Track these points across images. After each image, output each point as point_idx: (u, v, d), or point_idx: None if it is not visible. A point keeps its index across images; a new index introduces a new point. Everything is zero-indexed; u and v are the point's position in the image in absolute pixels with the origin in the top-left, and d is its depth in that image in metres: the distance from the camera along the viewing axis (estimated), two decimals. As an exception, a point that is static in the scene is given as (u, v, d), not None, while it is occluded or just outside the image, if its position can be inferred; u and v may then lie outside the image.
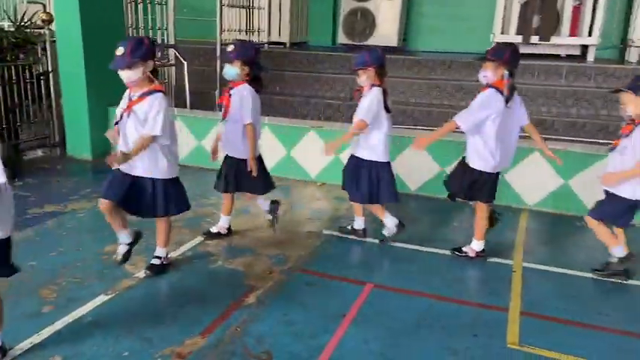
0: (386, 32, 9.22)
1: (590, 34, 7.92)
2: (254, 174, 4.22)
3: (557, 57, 8.22)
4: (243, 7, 8.81)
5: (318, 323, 3.29)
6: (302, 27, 9.98)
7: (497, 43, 3.88)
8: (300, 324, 3.28)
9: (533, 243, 4.68)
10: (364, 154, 4.23)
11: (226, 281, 3.82)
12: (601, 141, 6.89)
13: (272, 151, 6.23)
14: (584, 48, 8.09)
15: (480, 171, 4.02)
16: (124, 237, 3.70)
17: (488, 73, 3.89)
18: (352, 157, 4.34)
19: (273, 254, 4.24)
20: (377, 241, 4.50)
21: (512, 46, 3.99)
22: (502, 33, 8.34)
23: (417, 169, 5.74)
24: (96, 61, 6.42)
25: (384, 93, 4.14)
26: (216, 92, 7.69)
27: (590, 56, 7.92)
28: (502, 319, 3.38)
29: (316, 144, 6.00)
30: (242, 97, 4.08)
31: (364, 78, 4.13)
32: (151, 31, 7.63)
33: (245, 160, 4.20)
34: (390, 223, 4.40)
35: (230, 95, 4.10)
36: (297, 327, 3.25)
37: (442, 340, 3.17)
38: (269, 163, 6.18)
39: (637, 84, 3.62)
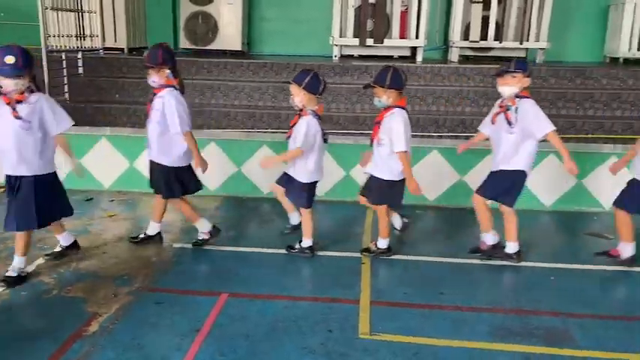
0: (229, 36, 9.12)
1: (417, 37, 8.61)
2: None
3: (390, 58, 8.81)
4: (71, 11, 8.09)
5: (171, 343, 3.12)
6: (140, 31, 9.47)
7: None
8: (150, 346, 3.08)
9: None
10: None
11: (64, 312, 3.45)
12: (434, 134, 7.55)
13: (113, 163, 5.83)
14: (414, 49, 8.77)
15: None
16: None
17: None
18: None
19: (117, 275, 3.94)
20: (234, 248, 4.42)
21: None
22: (341, 36, 8.72)
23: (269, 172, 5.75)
24: None
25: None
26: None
27: (419, 57, 8.60)
28: (354, 311, 3.50)
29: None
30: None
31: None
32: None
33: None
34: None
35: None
36: (147, 350, 3.05)
37: (298, 340, 3.19)
38: (109, 177, 5.83)
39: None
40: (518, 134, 4.03)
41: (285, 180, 4.37)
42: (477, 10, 8.63)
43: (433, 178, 5.65)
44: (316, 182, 4.30)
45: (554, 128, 3.99)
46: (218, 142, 5.90)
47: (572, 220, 5.29)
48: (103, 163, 5.83)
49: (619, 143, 7.10)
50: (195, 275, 4.07)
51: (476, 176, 5.52)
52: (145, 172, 5.78)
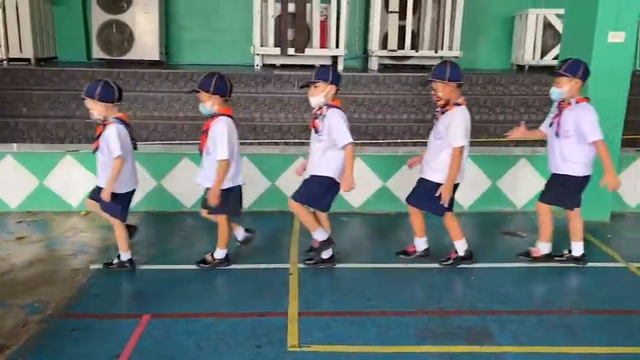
0: (146, 45, 8.84)
1: (337, 46, 8.75)
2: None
3: (312, 67, 8.85)
4: (-32, 19, 7.53)
5: (88, 372, 2.93)
6: (48, 41, 8.96)
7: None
8: (65, 378, 2.88)
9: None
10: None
11: (-35, 347, 3.16)
12: (357, 141, 7.67)
13: (20, 182, 5.45)
14: (335, 58, 8.90)
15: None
16: None
17: None
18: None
19: (27, 303, 3.66)
20: (156, 267, 4.25)
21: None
22: (262, 45, 8.70)
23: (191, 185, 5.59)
24: None
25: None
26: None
27: (340, 66, 8.75)
28: (282, 324, 3.46)
29: (75, 170, 5.43)
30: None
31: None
32: None
33: None
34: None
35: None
36: (61, 383, 2.85)
37: (226, 358, 3.10)
38: (16, 197, 5.43)
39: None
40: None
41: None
42: (394, 20, 8.91)
43: (358, 185, 5.71)
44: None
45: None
46: (136, 155, 5.65)
47: (488, 221, 5.54)
48: (9, 182, 5.43)
49: (528, 146, 7.58)
50: (113, 297, 3.86)
51: (399, 182, 5.68)
52: (59, 190, 5.46)
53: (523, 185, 5.74)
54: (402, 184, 5.71)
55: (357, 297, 3.88)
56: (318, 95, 4.01)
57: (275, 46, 8.67)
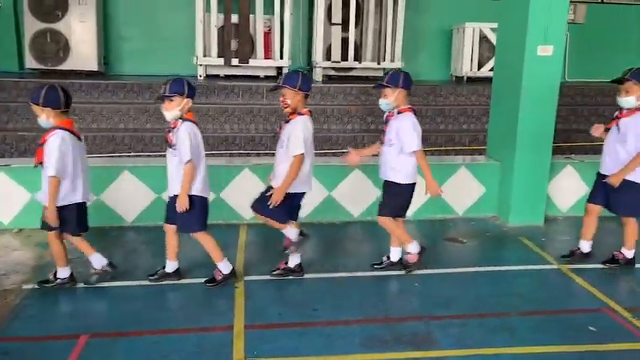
0: (83, 55, 8.54)
1: (281, 57, 8.78)
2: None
3: (257, 78, 8.87)
4: None
5: (20, 399, 2.78)
6: (-24, 50, 8.53)
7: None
8: (-6, 407, 2.71)
9: (252, 256, 4.86)
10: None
11: None
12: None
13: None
14: (279, 69, 8.92)
15: None
16: None
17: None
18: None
19: (-48, 328, 3.44)
20: (89, 285, 4.09)
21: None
22: (205, 56, 8.60)
23: (132, 199, 5.43)
24: None
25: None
26: None
27: (285, 77, 8.76)
28: (227, 339, 3.40)
29: (5, 185, 5.16)
30: None
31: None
32: None
33: None
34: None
35: None
36: (-10, 412, 2.68)
37: (169, 377, 3.02)
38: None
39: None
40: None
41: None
42: (337, 31, 9.03)
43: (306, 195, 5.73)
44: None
45: None
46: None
47: (432, 228, 5.68)
48: None
49: (467, 154, 7.85)
50: (49, 318, 3.68)
51: (345, 191, 5.74)
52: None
53: (464, 192, 5.93)
54: (348, 193, 5.79)
55: (304, 307, 3.88)
56: (172, 110, 3.88)
57: (218, 57, 8.60)
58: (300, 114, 4.06)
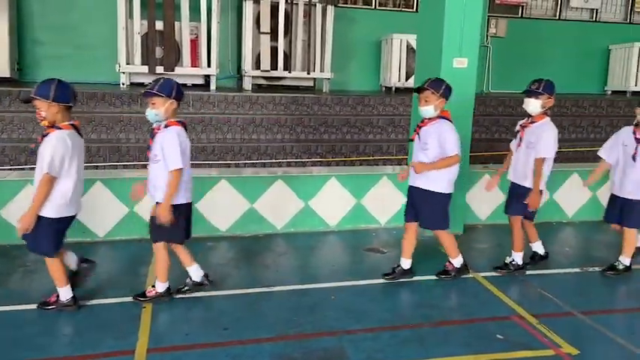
0: (-7, 60, 8.05)
1: (209, 65, 8.60)
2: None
3: (184, 86, 8.60)
4: None
5: None
6: None
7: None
8: None
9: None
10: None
11: None
12: (230, 162, 7.56)
13: None
14: (207, 78, 8.73)
15: None
16: None
17: None
18: None
19: None
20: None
21: None
22: (128, 63, 8.30)
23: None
24: None
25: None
26: None
27: (213, 85, 8.60)
28: (126, 365, 3.22)
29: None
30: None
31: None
32: None
33: None
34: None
35: None
36: None
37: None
38: None
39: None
40: None
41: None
42: (266, 40, 8.95)
43: (224, 208, 5.60)
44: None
45: None
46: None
47: (353, 238, 5.67)
48: None
49: (395, 164, 7.94)
50: None
51: (267, 203, 5.63)
52: None
53: (386, 202, 5.97)
54: (270, 204, 5.69)
55: (214, 327, 3.73)
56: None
57: (142, 65, 8.32)
58: (59, 128, 3.60)
